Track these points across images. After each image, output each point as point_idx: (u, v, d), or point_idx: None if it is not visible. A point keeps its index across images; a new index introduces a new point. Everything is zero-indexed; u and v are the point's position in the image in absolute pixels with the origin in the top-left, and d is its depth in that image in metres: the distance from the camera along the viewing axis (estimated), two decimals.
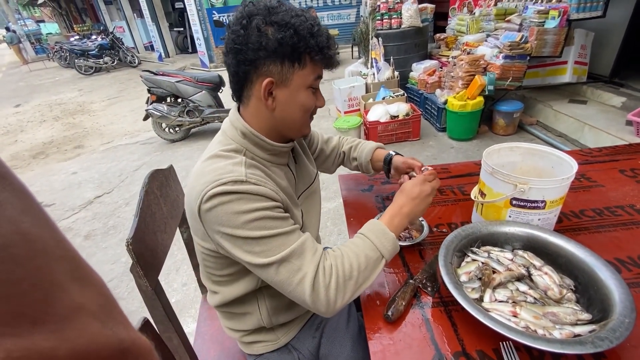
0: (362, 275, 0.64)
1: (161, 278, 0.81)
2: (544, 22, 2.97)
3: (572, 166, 0.78)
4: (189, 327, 1.68)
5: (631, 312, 0.55)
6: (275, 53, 0.63)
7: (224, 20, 8.58)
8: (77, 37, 11.55)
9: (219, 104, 4.13)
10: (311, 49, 0.64)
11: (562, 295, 0.64)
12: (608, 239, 0.82)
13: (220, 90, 4.16)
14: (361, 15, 5.91)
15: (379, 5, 4.19)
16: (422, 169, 0.86)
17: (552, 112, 3.27)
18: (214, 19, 8.19)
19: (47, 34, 17.45)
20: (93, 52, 9.85)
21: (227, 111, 4.05)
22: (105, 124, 5.39)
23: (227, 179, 0.61)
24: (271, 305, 0.79)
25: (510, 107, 3.20)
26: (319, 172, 0.95)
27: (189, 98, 3.94)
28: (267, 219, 0.62)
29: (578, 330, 0.58)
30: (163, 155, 3.97)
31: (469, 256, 0.77)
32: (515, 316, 0.61)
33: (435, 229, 0.91)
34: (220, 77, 4.09)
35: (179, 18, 11.06)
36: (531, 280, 0.70)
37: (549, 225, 0.81)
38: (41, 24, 20.29)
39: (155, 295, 0.74)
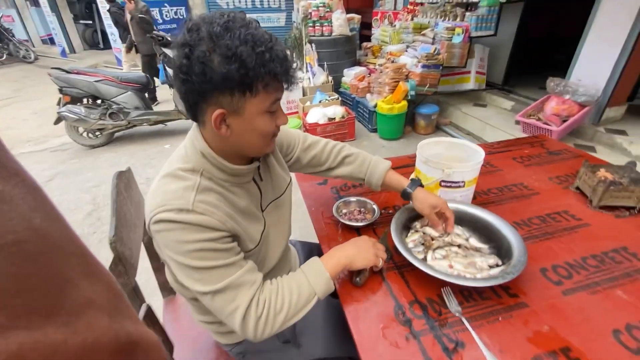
0: (292, 310, 0.69)
1: None
2: (452, 37, 3.49)
3: (481, 154, 1.01)
4: None
5: (524, 254, 0.78)
6: (222, 85, 0.59)
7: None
8: None
9: (147, 105, 3.87)
10: (262, 78, 0.60)
11: (478, 249, 0.86)
12: (507, 208, 1.08)
13: (148, 92, 3.90)
14: (293, 21, 6.06)
15: (311, 13, 4.40)
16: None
17: (461, 114, 3.84)
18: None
19: None
20: None
21: (159, 114, 3.82)
22: (0, 129, 4.58)
23: (173, 205, 0.62)
24: None
25: (429, 110, 3.67)
26: (291, 180, 0.93)
27: (112, 99, 3.61)
28: (209, 251, 0.63)
29: (493, 272, 0.78)
30: (82, 163, 3.56)
31: (412, 229, 0.95)
32: (451, 268, 0.80)
33: (383, 210, 1.08)
34: (147, 77, 3.84)
35: (85, 9, 9.86)
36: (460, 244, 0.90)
37: (468, 200, 1.03)
38: None
39: (135, 295, 0.75)
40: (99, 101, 3.65)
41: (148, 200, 0.67)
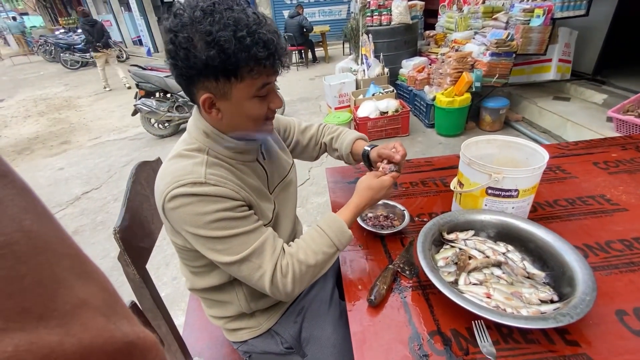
0: (317, 268, 0.70)
1: (151, 272, 0.82)
2: (529, 20, 3.03)
3: (544, 157, 0.82)
4: (179, 319, 1.69)
5: (592, 291, 0.59)
6: (205, 71, 0.59)
7: None
8: (62, 30, 11.28)
9: None
10: (246, 63, 0.59)
11: (530, 275, 0.68)
12: (578, 226, 0.86)
13: None
14: (351, 12, 5.90)
15: (369, 2, 4.21)
16: (386, 167, 0.86)
17: (536, 108, 3.34)
18: None
19: (31, 27, 16.97)
20: (79, 46, 9.64)
21: None
22: (93, 119, 5.30)
23: (186, 180, 0.62)
24: (248, 292, 0.82)
25: (497, 103, 3.27)
26: (294, 163, 0.94)
27: (179, 93, 3.91)
28: (228, 220, 0.64)
29: (544, 308, 0.62)
30: (152, 151, 3.94)
31: (447, 243, 0.80)
32: (489, 297, 0.65)
33: (417, 218, 0.95)
34: None
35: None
36: (506, 265, 0.74)
37: (522, 213, 0.84)
38: (25, 17, 19.72)
39: (143, 283, 0.75)
40: (168, 95, 3.99)
41: (157, 183, 0.68)
